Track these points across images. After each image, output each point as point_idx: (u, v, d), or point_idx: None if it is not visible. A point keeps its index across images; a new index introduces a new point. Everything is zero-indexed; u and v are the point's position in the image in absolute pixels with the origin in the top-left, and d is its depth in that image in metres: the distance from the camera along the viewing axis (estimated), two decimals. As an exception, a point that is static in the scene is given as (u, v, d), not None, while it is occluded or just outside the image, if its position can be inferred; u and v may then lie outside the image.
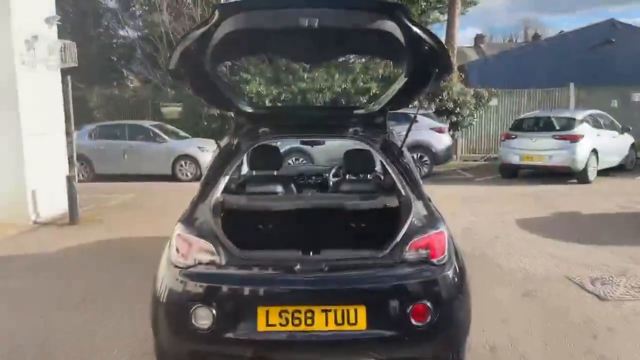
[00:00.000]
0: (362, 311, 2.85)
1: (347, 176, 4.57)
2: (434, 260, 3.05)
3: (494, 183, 12.38)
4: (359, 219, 3.64)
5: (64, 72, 8.81)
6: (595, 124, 12.56)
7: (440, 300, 2.94)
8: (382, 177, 4.45)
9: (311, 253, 3.21)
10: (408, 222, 3.16)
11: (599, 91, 17.33)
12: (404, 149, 3.75)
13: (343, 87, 15.49)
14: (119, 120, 15.33)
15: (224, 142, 3.91)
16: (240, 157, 3.66)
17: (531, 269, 5.63)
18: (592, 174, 11.98)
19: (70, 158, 9.36)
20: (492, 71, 21.31)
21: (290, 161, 12.24)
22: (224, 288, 2.94)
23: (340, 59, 18.87)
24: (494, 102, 16.91)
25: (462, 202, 9.62)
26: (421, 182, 3.57)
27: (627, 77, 18.15)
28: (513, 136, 12.51)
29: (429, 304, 2.87)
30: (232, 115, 4.07)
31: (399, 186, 3.47)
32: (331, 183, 5.45)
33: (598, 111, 13.37)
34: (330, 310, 2.86)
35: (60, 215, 8.52)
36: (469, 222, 7.88)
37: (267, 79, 15.79)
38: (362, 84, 15.61)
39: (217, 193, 3.44)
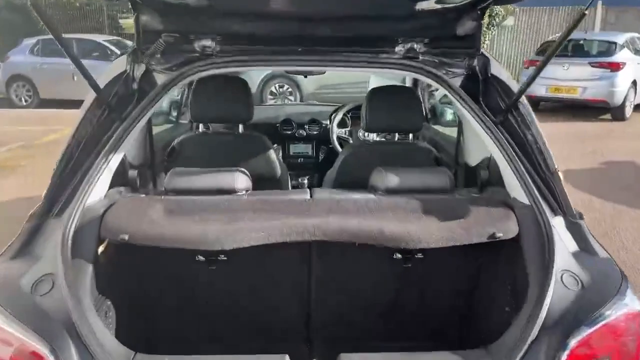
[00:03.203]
0: None
1: (371, 136, 2.61)
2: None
3: (513, 119, 10.43)
4: (420, 261, 1.73)
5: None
6: (636, 50, 10.57)
7: None
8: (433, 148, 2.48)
9: None
10: (551, 280, 1.30)
11: (629, 12, 15.12)
12: (523, 99, 1.78)
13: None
14: (68, 34, 12.83)
15: (109, 74, 1.86)
16: (150, 105, 1.68)
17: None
18: (628, 110, 10.21)
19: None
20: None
21: (273, 88, 10.07)
22: None
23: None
24: (509, 21, 14.58)
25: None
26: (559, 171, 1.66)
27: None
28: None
29: None
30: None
31: (520, 181, 1.57)
32: (335, 138, 3.48)
33: (637, 34, 11.31)
34: None
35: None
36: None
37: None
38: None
39: (93, 194, 1.51)
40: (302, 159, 3.62)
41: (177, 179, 1.74)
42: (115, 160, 1.64)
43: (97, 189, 1.58)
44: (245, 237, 1.48)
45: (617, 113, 10.08)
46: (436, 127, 3.52)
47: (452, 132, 3.33)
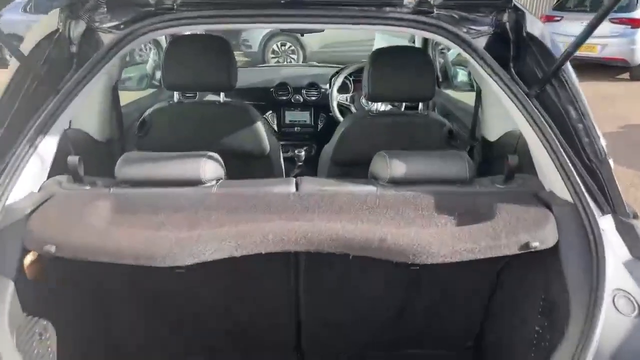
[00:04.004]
0: None
1: (375, 105, 2.27)
2: None
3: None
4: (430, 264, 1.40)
5: None
6: (659, 3, 9.95)
7: None
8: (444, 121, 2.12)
9: None
10: (602, 306, 1.00)
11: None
12: (567, 66, 1.44)
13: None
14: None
15: (35, 36, 1.51)
16: (92, 73, 1.37)
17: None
18: (649, 70, 9.66)
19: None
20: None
21: (275, 46, 9.58)
22: None
23: None
24: (524, -27, 13.82)
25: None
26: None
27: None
28: (557, 18, 9.88)
29: None
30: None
31: (560, 171, 1.25)
32: (335, 105, 3.12)
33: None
34: None
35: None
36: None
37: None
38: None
39: (19, 188, 1.23)
40: (299, 128, 3.28)
41: (129, 167, 1.41)
42: (48, 144, 1.32)
43: (25, 182, 1.27)
44: (206, 249, 1.18)
45: (637, 72, 9.58)
46: (447, 91, 3.16)
47: (465, 97, 2.98)
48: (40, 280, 1.26)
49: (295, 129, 3.28)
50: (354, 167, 2.09)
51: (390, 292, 1.63)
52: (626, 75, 9.64)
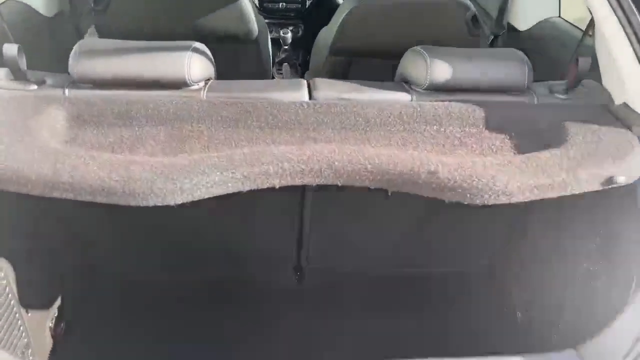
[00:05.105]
0: None
1: None
2: None
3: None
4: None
5: None
6: None
7: None
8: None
9: None
10: None
11: None
12: None
13: None
14: None
15: None
16: None
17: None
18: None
19: None
20: None
21: None
22: None
23: None
24: None
25: None
26: None
27: None
28: None
29: None
30: None
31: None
32: None
33: None
34: None
35: None
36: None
37: None
38: None
39: None
40: (284, 4, 2.84)
41: (89, 60, 1.06)
42: None
43: None
44: (202, 183, 0.90)
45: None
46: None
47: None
48: None
49: (280, 5, 2.85)
50: (357, 58, 1.78)
51: (404, 211, 1.42)
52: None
